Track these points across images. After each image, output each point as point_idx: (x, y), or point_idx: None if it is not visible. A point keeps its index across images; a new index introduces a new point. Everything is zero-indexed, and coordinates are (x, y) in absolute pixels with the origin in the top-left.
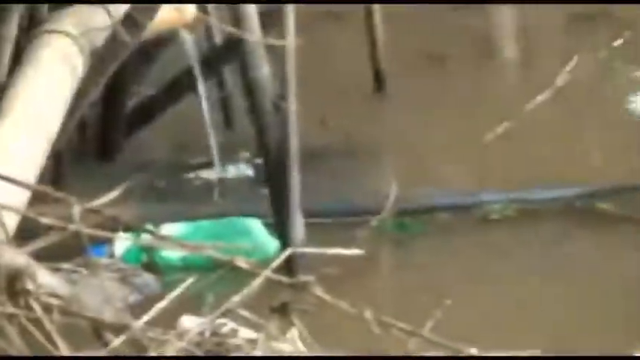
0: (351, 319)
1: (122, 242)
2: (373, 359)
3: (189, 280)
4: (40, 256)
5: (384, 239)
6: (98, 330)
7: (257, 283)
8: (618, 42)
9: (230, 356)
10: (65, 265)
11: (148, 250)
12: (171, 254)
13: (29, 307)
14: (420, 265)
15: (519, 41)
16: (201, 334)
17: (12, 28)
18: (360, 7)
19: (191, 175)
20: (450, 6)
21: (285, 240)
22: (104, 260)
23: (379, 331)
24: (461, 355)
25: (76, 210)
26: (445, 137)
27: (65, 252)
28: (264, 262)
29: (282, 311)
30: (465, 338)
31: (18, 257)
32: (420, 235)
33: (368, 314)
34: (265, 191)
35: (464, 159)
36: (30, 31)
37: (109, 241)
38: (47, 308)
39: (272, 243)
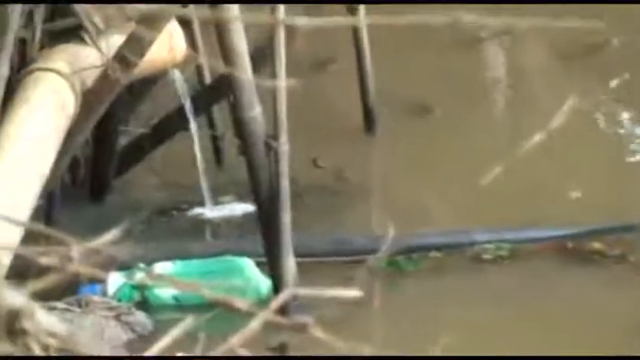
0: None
1: (115, 280)
2: (367, 359)
3: (188, 319)
4: (32, 295)
5: (376, 278)
6: None
7: (257, 323)
8: (614, 83)
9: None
10: (59, 304)
11: (141, 288)
12: (164, 293)
13: (27, 347)
14: (413, 305)
15: (509, 82)
16: None
17: (3, 67)
18: (352, 53)
19: (182, 214)
20: (439, 51)
21: (277, 279)
22: (97, 299)
23: None
24: None
25: (76, 250)
26: (437, 177)
27: (56, 291)
28: (258, 302)
29: (281, 351)
30: None
31: (17, 297)
32: (413, 274)
33: (367, 353)
34: (257, 230)
35: (456, 199)
36: (21, 69)
37: (101, 280)
38: (45, 348)
39: (264, 282)
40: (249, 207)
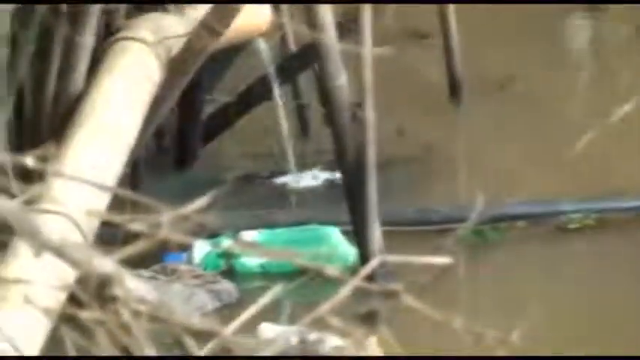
0: (436, 326)
1: (201, 249)
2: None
3: (276, 288)
4: (120, 262)
5: (462, 247)
6: (180, 337)
7: (346, 291)
8: None
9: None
10: (145, 272)
11: (227, 256)
12: (250, 261)
13: (117, 313)
14: (499, 274)
15: (594, 54)
16: (289, 341)
17: (89, 36)
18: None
19: (267, 182)
20: (523, 24)
21: (363, 248)
22: (183, 267)
23: (469, 339)
24: None
25: (165, 217)
26: (523, 147)
27: (140, 258)
28: (344, 270)
29: (369, 320)
30: (548, 347)
31: (107, 263)
32: (499, 243)
33: (458, 323)
34: (343, 199)
35: (543, 168)
36: (106, 38)
37: (187, 248)
38: (136, 314)
39: (350, 250)
40: (334, 176)
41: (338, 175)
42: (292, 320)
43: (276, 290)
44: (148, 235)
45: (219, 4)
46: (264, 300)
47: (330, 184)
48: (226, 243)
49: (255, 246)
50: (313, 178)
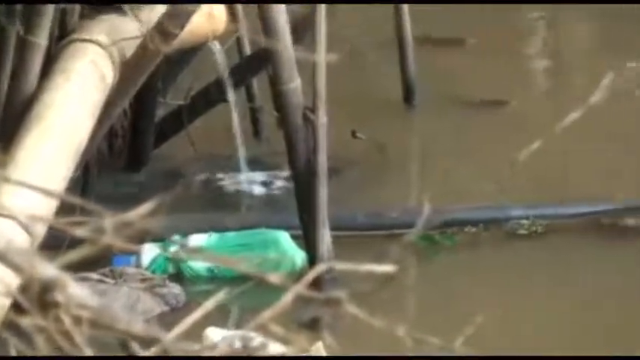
0: (381, 334)
1: (149, 252)
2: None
3: (221, 293)
4: (65, 266)
5: (411, 253)
6: (125, 342)
7: (288, 298)
8: None
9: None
10: (93, 275)
11: (175, 260)
12: (198, 265)
13: (59, 320)
14: (448, 280)
15: (549, 55)
16: (232, 346)
17: (43, 37)
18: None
19: (219, 186)
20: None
21: (312, 252)
22: (131, 270)
23: (412, 346)
24: None
25: (109, 222)
26: (474, 153)
27: (89, 261)
28: (292, 274)
29: (313, 326)
30: (494, 353)
31: (49, 269)
32: (448, 249)
33: (401, 330)
34: (294, 203)
35: (492, 174)
36: (60, 39)
37: (135, 252)
38: (77, 320)
39: (299, 255)
40: (286, 179)
41: (290, 178)
42: (240, 325)
43: (220, 295)
44: (92, 240)
45: (174, 6)
46: (208, 305)
47: (281, 187)
48: (174, 247)
49: (201, 251)
50: (265, 181)
